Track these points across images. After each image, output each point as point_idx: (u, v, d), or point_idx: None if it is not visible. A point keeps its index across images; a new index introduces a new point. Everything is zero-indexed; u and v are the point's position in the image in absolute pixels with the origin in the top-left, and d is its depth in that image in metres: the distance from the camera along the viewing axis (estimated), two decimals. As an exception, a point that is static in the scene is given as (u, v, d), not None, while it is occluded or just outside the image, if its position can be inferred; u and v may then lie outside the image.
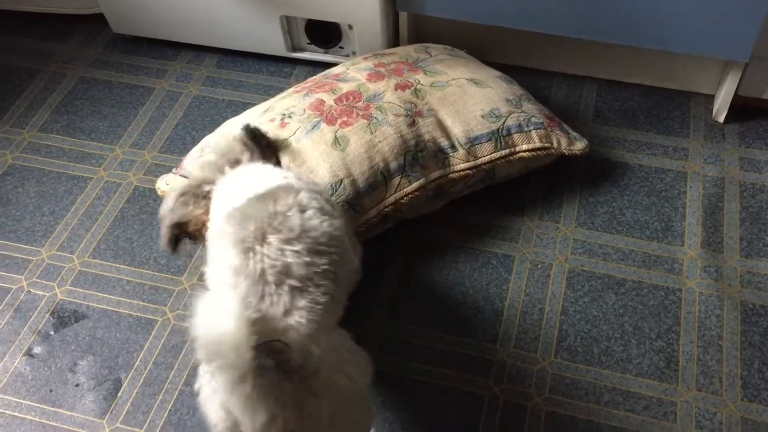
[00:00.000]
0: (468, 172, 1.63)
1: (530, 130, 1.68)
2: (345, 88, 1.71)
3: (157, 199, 1.80)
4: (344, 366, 1.09)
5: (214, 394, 1.05)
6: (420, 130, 1.63)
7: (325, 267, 1.10)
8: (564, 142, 1.71)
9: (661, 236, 1.68)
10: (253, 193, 1.16)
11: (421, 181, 1.60)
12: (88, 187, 1.85)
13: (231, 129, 1.67)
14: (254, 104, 2.00)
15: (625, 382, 1.46)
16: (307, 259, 1.08)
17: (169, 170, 1.86)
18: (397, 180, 1.59)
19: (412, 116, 1.64)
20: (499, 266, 1.65)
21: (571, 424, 1.41)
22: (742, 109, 1.89)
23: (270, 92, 2.03)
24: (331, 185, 1.55)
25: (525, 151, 1.67)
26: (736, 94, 1.85)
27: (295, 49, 2.07)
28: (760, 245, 1.66)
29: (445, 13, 1.86)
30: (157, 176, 1.85)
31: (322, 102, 1.67)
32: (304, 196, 1.15)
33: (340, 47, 2.02)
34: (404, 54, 1.83)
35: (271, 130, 1.58)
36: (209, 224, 1.23)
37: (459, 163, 1.63)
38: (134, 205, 1.80)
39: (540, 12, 1.79)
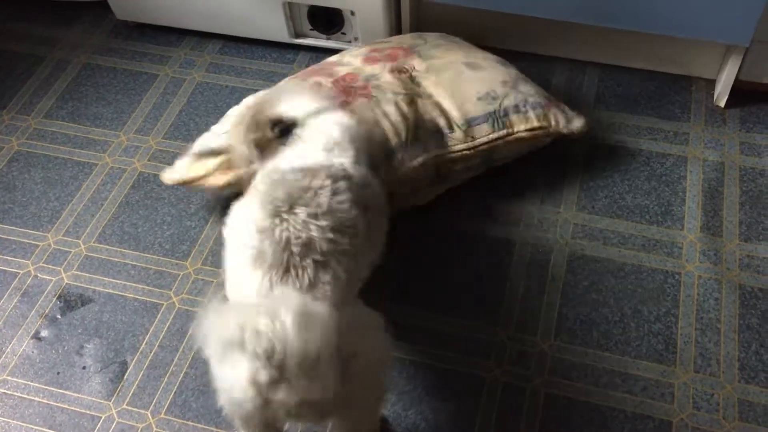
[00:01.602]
0: (466, 152, 1.65)
1: (527, 111, 1.69)
2: (342, 71, 1.72)
3: (162, 185, 1.82)
4: (369, 333, 1.12)
5: (243, 368, 1.02)
6: (419, 110, 1.65)
7: (347, 247, 1.13)
8: (562, 121, 1.71)
9: (661, 220, 1.69)
10: (298, 164, 1.21)
11: (423, 156, 1.61)
12: (94, 173, 1.87)
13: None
14: (257, 90, 2.01)
15: (624, 364, 1.48)
16: (331, 236, 1.12)
17: (174, 156, 1.87)
18: (400, 156, 1.60)
19: (411, 95, 1.66)
20: (500, 250, 1.66)
21: (570, 406, 1.43)
22: (742, 93, 1.89)
23: (273, 78, 2.04)
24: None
25: (522, 131, 1.67)
26: (737, 79, 1.85)
27: (297, 36, 2.08)
28: (759, 229, 1.67)
29: (447, -1, 1.87)
30: (162, 162, 1.87)
31: (319, 84, 1.68)
32: (342, 185, 1.19)
33: (342, 33, 2.03)
34: (399, 41, 1.85)
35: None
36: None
37: (457, 143, 1.65)
38: (139, 190, 1.82)
39: (541, -3, 1.80)
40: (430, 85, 1.70)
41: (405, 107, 1.63)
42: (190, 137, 1.92)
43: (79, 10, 2.29)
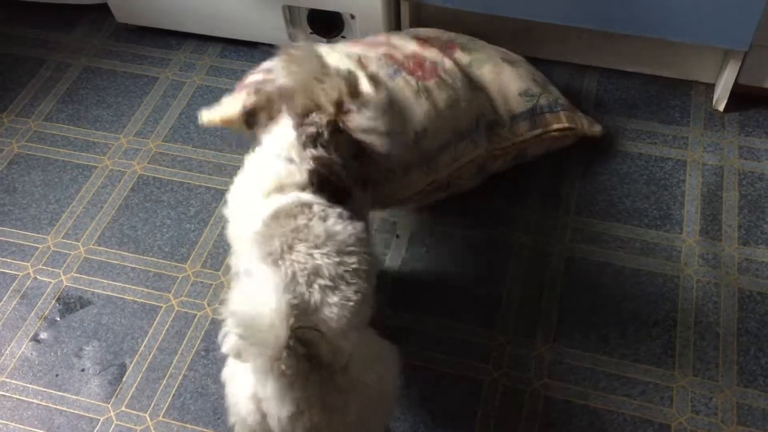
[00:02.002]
0: (509, 149, 1.67)
1: (558, 111, 1.72)
2: (406, 50, 1.63)
3: (161, 188, 1.82)
4: (374, 365, 1.10)
5: (246, 383, 1.05)
6: (477, 101, 1.63)
7: (356, 266, 1.10)
8: (585, 123, 1.77)
9: (660, 224, 1.70)
10: (267, 214, 1.16)
11: (480, 149, 1.61)
12: (93, 176, 1.87)
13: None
14: (257, 93, 2.01)
15: (623, 367, 1.48)
16: (337, 259, 1.09)
17: (173, 159, 1.88)
18: (463, 144, 1.59)
19: (474, 85, 1.65)
20: (498, 253, 1.67)
21: (569, 409, 1.43)
22: (741, 97, 1.90)
23: (273, 81, 2.04)
24: (416, 134, 1.50)
25: (555, 130, 1.71)
26: (735, 83, 1.85)
27: (297, 39, 2.08)
28: (758, 233, 1.67)
29: (447, 2, 1.87)
30: (161, 164, 1.87)
31: (392, 55, 1.59)
32: (318, 208, 1.15)
33: (342, 36, 2.03)
34: (435, 34, 1.78)
35: (350, 66, 1.46)
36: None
37: (502, 140, 1.65)
38: (138, 193, 1.82)
39: (541, 1, 1.80)
40: (476, 78, 1.68)
41: (471, 96, 1.61)
42: (190, 140, 1.92)
43: (80, 13, 2.30)
